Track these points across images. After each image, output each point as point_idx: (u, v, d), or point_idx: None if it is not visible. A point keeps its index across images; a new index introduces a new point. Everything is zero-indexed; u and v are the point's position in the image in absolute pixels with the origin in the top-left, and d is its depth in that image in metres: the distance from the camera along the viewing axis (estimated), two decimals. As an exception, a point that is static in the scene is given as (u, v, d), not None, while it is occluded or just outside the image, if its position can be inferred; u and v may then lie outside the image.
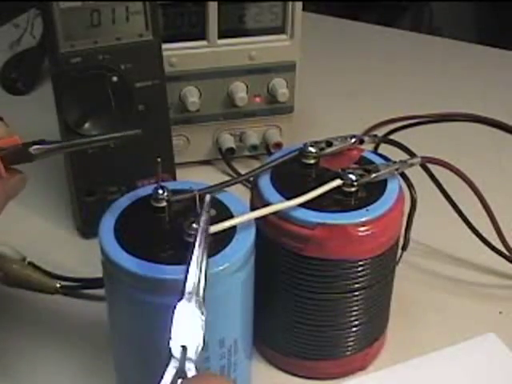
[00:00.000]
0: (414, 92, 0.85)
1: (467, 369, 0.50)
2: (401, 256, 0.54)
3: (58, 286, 0.57)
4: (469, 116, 0.80)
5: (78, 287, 0.57)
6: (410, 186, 0.52)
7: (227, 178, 0.52)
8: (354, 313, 0.49)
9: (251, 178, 0.49)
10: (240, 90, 0.68)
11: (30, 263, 0.58)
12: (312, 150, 0.48)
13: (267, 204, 0.46)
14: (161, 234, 0.43)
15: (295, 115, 0.71)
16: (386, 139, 0.61)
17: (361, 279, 0.47)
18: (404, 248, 0.55)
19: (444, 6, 1.47)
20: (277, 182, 0.47)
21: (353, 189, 0.46)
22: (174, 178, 0.63)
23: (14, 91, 0.82)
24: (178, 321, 0.35)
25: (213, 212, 0.44)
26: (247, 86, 0.68)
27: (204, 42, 0.66)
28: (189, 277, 0.37)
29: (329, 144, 0.49)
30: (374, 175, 0.47)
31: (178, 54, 0.66)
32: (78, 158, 0.59)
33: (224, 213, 0.44)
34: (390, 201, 0.47)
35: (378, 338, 0.52)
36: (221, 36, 0.66)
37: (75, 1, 0.56)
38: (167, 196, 0.43)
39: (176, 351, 0.34)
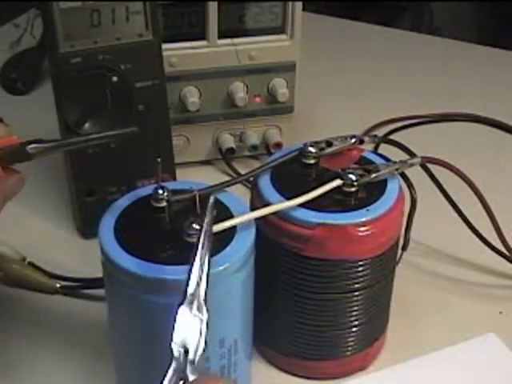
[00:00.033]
0: (413, 92, 0.85)
1: (467, 369, 0.50)
2: (401, 256, 0.54)
3: (58, 286, 0.57)
4: (469, 116, 0.80)
5: (78, 287, 0.57)
6: (409, 186, 0.52)
7: (227, 178, 0.52)
8: (354, 313, 0.49)
9: (251, 178, 0.49)
10: (240, 90, 0.68)
11: (29, 263, 0.58)
12: (312, 149, 0.48)
13: (267, 204, 0.46)
14: (161, 234, 0.43)
15: (295, 115, 0.71)
16: (386, 139, 0.61)
17: (361, 279, 0.47)
18: (404, 248, 0.55)
19: (444, 5, 1.47)
20: (277, 182, 0.47)
21: (353, 189, 0.46)
22: (174, 178, 0.63)
23: (14, 91, 0.82)
24: (179, 323, 0.35)
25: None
26: (247, 86, 0.68)
27: (204, 42, 0.66)
28: (191, 279, 0.37)
29: (329, 144, 0.49)
30: (374, 175, 0.47)
31: (177, 53, 0.65)
32: (78, 157, 0.59)
33: (224, 213, 0.44)
34: (390, 201, 0.47)
35: (378, 337, 0.52)
36: (221, 36, 0.66)
37: (75, 1, 0.56)
38: (167, 196, 0.43)
39: (177, 354, 0.34)
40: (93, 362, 0.52)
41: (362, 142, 0.51)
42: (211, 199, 0.41)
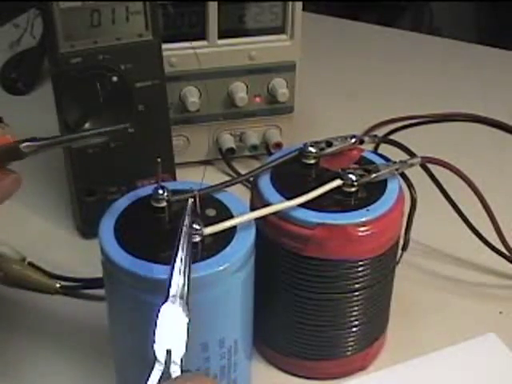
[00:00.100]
0: (413, 92, 0.85)
1: (467, 369, 0.50)
2: (401, 256, 0.54)
3: (58, 286, 0.57)
4: (469, 116, 0.80)
5: (78, 287, 0.57)
6: (410, 186, 0.52)
7: (227, 178, 0.52)
8: (354, 313, 0.49)
9: (251, 178, 0.49)
10: (240, 90, 0.68)
11: (29, 263, 0.58)
12: (312, 149, 0.48)
13: (267, 204, 0.46)
14: (161, 234, 0.43)
15: (295, 115, 0.71)
16: (386, 139, 0.61)
17: (361, 279, 0.47)
18: (404, 248, 0.55)
19: (444, 5, 1.47)
20: (277, 182, 0.47)
21: (353, 189, 0.46)
22: (174, 178, 0.63)
23: (14, 91, 0.82)
24: (162, 324, 0.35)
25: (213, 212, 0.44)
26: (247, 86, 0.68)
27: (204, 42, 0.66)
28: (173, 280, 0.37)
29: (329, 144, 0.49)
30: (374, 175, 0.47)
31: (177, 54, 0.65)
32: (78, 157, 0.59)
33: (224, 213, 0.44)
34: (390, 201, 0.47)
35: (378, 337, 0.52)
36: (221, 36, 0.66)
37: (75, 1, 0.56)
38: (167, 196, 0.43)
39: (160, 355, 0.35)
40: (93, 362, 0.52)
41: (362, 142, 0.51)
42: (189, 201, 0.40)
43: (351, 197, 0.46)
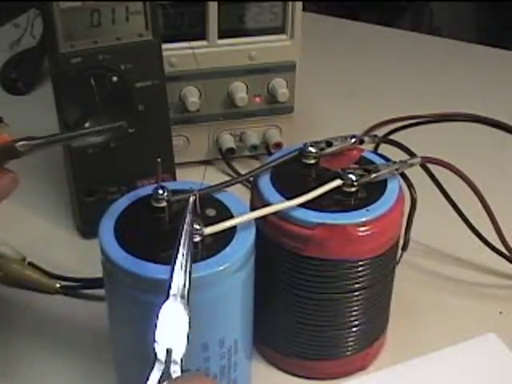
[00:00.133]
0: (413, 92, 0.85)
1: (467, 369, 0.50)
2: (401, 256, 0.54)
3: (58, 286, 0.57)
4: (469, 116, 0.80)
5: (78, 287, 0.57)
6: (410, 186, 0.52)
7: (227, 178, 0.52)
8: (354, 313, 0.49)
9: (251, 178, 0.49)
10: (240, 90, 0.68)
11: (29, 263, 0.58)
12: (312, 149, 0.48)
13: (267, 204, 0.46)
14: (161, 234, 0.43)
15: (295, 115, 0.71)
16: (386, 139, 0.61)
17: (361, 279, 0.47)
18: (404, 248, 0.55)
19: (444, 5, 1.47)
20: (277, 182, 0.47)
21: (353, 189, 0.46)
22: (174, 178, 0.63)
23: (14, 91, 0.82)
24: (162, 322, 0.35)
25: (213, 212, 0.44)
26: (247, 86, 0.68)
27: (204, 42, 0.66)
28: (173, 278, 0.37)
29: (329, 144, 0.49)
30: (374, 175, 0.47)
31: (177, 54, 0.65)
32: (77, 157, 0.59)
33: (224, 213, 0.44)
34: (390, 201, 0.47)
35: (378, 337, 0.52)
36: (221, 36, 0.66)
37: (75, 1, 0.56)
38: (167, 196, 0.43)
39: (161, 353, 0.35)
40: (92, 362, 0.52)
41: (362, 142, 0.51)
42: (191, 199, 0.40)
43: (351, 197, 0.46)
